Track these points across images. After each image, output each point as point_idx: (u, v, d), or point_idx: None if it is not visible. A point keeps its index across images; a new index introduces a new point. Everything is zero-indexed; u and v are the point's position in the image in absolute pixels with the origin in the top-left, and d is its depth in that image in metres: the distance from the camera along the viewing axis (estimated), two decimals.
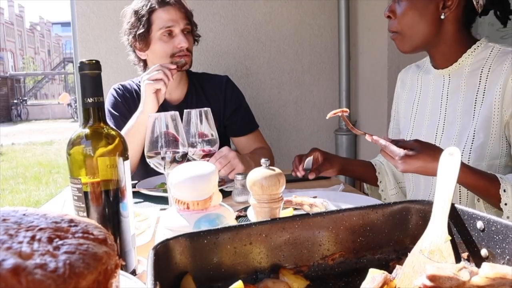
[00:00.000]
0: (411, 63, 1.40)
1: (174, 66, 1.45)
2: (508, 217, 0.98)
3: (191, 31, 1.59)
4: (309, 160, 1.32)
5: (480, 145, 1.09)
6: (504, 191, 0.97)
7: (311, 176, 1.27)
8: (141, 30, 1.51)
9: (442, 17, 1.10)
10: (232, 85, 1.75)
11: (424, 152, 0.94)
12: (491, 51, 1.12)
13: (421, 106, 1.29)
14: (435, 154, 0.89)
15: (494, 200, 0.99)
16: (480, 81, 1.11)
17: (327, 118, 1.02)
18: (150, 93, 1.42)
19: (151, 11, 1.50)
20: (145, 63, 1.63)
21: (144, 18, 1.50)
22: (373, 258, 0.66)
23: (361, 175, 1.43)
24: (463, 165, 0.94)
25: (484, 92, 1.10)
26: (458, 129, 1.14)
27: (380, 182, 1.41)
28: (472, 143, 1.10)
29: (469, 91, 1.13)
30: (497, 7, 1.13)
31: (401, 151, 0.95)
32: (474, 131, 1.10)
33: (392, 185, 1.40)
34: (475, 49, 1.13)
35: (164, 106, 1.62)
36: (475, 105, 1.11)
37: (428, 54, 1.23)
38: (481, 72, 1.11)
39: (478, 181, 0.98)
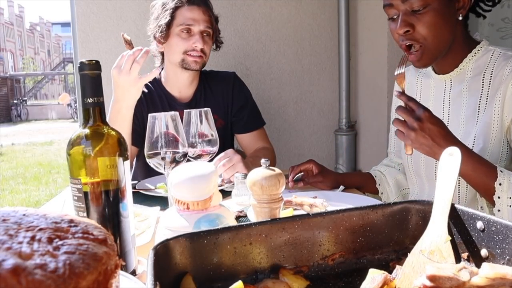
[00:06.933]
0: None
1: (146, 49, 1.36)
2: (499, 210, 0.97)
3: (212, 36, 1.61)
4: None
5: (480, 151, 1.08)
6: (500, 184, 0.96)
7: (299, 185, 1.35)
8: (163, 22, 1.54)
9: (460, 18, 1.06)
10: (240, 82, 1.77)
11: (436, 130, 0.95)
12: (492, 55, 1.10)
13: None
14: (446, 136, 0.95)
15: (487, 192, 0.98)
16: (483, 87, 1.10)
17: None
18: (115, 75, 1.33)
19: (177, 6, 1.54)
20: (162, 56, 1.66)
21: (168, 12, 1.54)
22: (373, 258, 0.66)
23: (359, 185, 1.39)
24: (466, 151, 0.95)
25: (487, 98, 1.09)
26: (461, 135, 1.13)
27: (382, 193, 1.40)
28: (472, 148, 1.10)
29: (472, 97, 1.12)
30: None
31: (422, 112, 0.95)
32: (475, 136, 1.10)
33: (394, 194, 1.39)
34: (475, 53, 1.12)
35: (173, 105, 1.63)
36: (478, 111, 1.10)
37: None
38: (483, 77, 1.10)
39: (475, 172, 0.97)
